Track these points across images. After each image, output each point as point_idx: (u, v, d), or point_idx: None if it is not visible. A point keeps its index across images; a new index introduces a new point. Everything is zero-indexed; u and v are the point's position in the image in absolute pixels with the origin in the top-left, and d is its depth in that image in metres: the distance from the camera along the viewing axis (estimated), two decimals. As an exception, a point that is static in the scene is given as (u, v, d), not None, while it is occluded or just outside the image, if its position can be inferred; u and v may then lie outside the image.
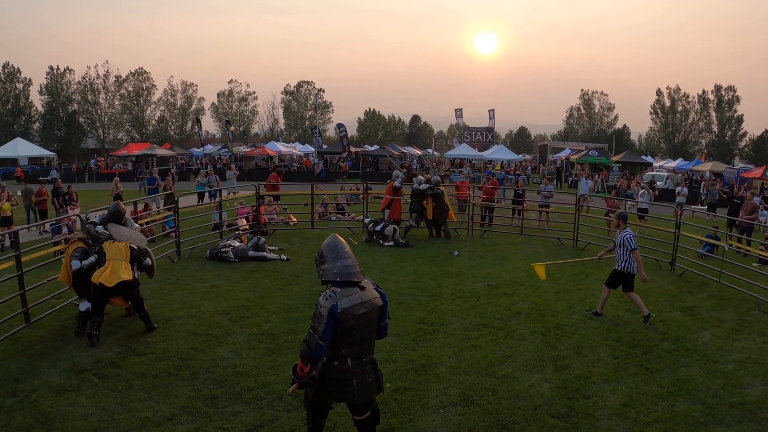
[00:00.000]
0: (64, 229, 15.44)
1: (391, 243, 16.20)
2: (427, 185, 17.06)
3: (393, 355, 8.04)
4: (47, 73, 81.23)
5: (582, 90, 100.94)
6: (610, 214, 16.80)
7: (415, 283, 12.00)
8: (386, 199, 17.60)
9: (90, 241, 9.55)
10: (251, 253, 14.48)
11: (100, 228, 9.55)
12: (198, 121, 64.78)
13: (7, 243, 16.16)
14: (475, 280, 12.14)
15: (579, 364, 7.84)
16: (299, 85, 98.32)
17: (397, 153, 55.29)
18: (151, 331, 9.21)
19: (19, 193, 20.63)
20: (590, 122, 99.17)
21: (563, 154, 49.42)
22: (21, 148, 50.87)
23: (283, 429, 6.22)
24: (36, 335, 9.31)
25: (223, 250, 14.39)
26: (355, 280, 5.01)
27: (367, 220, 17.26)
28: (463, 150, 51.59)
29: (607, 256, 10.83)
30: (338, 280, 4.98)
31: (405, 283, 12.08)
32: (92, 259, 9.17)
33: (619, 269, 9.84)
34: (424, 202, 17.14)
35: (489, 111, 55.24)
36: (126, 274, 9.04)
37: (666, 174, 41.88)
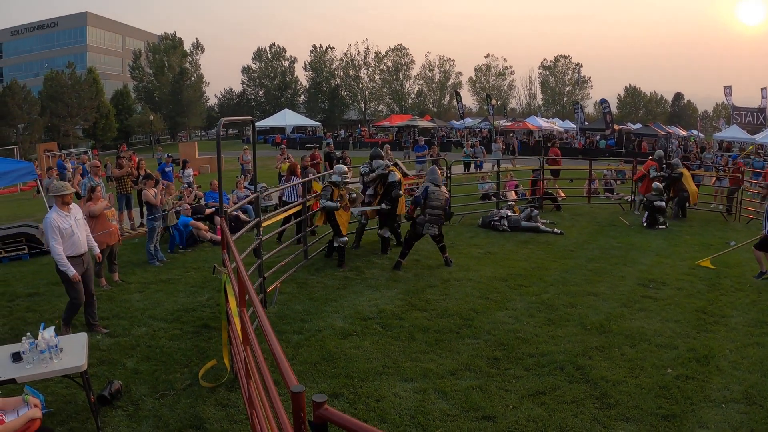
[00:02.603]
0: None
1: (663, 226, 15.81)
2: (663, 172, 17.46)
3: (674, 341, 7.86)
4: (311, 52, 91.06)
5: None
6: None
7: (693, 270, 11.61)
8: (640, 172, 17.88)
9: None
10: (524, 223, 15.03)
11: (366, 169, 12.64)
12: (458, 94, 66.63)
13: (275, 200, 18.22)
14: (755, 273, 11.31)
15: None
16: (556, 59, 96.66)
17: (662, 132, 51.88)
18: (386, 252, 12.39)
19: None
20: None
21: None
22: (288, 118, 57.27)
23: (565, 399, 6.23)
24: (318, 282, 10.51)
25: (496, 218, 15.20)
26: (437, 184, 11.17)
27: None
28: (733, 132, 46.89)
29: None
30: (431, 183, 11.12)
31: (682, 268, 11.73)
32: (331, 204, 11.27)
33: (767, 233, 10.86)
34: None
35: (762, 89, 49.46)
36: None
37: None
